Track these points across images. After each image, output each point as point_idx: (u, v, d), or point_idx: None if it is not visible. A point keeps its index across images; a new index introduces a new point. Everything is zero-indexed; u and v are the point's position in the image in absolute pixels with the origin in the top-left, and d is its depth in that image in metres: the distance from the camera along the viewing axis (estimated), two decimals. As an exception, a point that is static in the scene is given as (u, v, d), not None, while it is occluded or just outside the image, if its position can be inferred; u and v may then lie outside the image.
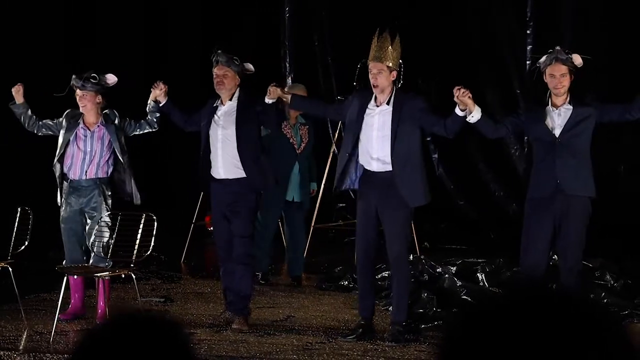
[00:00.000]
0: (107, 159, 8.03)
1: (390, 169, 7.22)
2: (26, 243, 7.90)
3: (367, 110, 7.31)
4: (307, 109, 8.30)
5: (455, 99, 7.03)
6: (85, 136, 8.02)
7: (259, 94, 7.87)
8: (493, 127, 7.36)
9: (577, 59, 7.15)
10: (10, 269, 7.80)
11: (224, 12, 13.47)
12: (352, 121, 7.37)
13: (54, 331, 7.46)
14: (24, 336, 7.63)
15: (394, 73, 7.30)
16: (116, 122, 8.04)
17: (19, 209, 8.01)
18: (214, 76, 7.77)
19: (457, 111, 7.08)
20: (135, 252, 7.62)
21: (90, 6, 12.09)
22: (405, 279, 7.45)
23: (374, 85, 7.29)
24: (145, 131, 8.13)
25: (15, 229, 7.95)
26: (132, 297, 8.57)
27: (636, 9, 11.76)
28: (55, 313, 7.52)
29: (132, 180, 8.04)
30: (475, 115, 7.08)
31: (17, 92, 8.12)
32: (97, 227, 7.89)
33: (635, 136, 11.41)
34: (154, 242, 7.59)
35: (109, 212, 7.92)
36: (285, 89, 8.29)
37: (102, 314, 7.88)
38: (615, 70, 11.42)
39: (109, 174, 8.04)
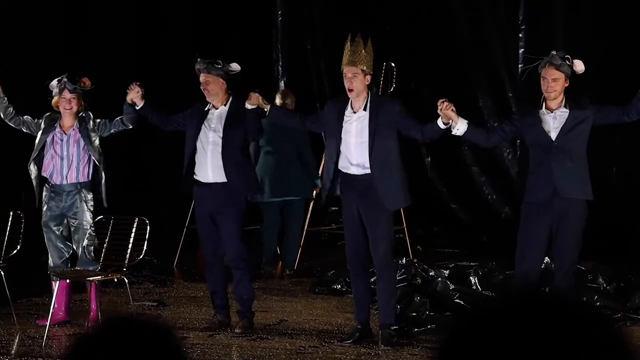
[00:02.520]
0: (86, 161, 7.98)
1: (370, 172, 7.23)
2: (18, 247, 7.88)
3: (345, 117, 7.31)
4: (285, 121, 7.99)
5: (439, 111, 7.02)
6: (62, 140, 7.99)
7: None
8: (485, 137, 7.35)
9: (579, 66, 7.10)
10: (2, 273, 7.78)
11: (215, 16, 13.46)
12: (332, 130, 7.37)
13: (46, 335, 7.44)
14: (16, 340, 7.62)
15: (369, 77, 7.28)
16: (90, 124, 8.00)
17: (11, 213, 8.00)
18: (200, 84, 7.79)
19: (440, 123, 7.06)
20: (127, 256, 7.61)
21: (82, 14, 12.08)
22: (392, 281, 7.47)
23: (349, 90, 7.25)
24: (120, 130, 8.04)
25: (7, 232, 7.94)
26: (124, 301, 8.55)
27: (627, 13, 11.78)
28: (48, 317, 7.51)
29: (103, 183, 7.97)
30: (460, 127, 7.05)
31: None
32: (80, 232, 7.86)
33: (627, 138, 11.42)
34: (146, 246, 7.58)
35: (92, 216, 7.89)
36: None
37: (94, 318, 7.87)
38: (606, 73, 11.42)
39: (90, 176, 8.00)
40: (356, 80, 7.21)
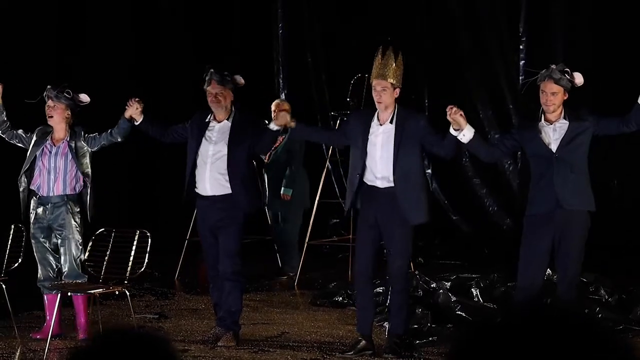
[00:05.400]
0: (73, 174, 7.96)
1: (393, 185, 7.23)
2: (19, 260, 7.88)
3: (371, 130, 7.32)
4: (311, 137, 8.06)
5: (448, 117, 7.04)
6: (51, 152, 7.97)
7: (254, 114, 7.83)
8: (487, 150, 7.37)
9: (578, 78, 7.11)
10: (3, 286, 7.78)
11: (216, 28, 13.48)
12: (357, 142, 7.36)
13: (47, 348, 7.44)
14: (17, 353, 7.61)
15: (397, 90, 7.29)
16: (81, 139, 7.98)
17: (13, 226, 8.00)
18: (208, 94, 7.74)
19: (451, 130, 7.10)
20: (129, 268, 7.61)
21: (80, 25, 12.10)
22: (405, 292, 7.47)
23: (378, 102, 7.28)
24: (109, 143, 7.96)
25: (8, 246, 7.93)
26: (125, 314, 8.55)
27: (626, 26, 11.81)
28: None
29: (89, 197, 7.95)
30: (466, 134, 7.07)
31: None
32: (67, 244, 7.84)
33: (628, 149, 11.42)
34: (147, 259, 7.57)
35: (80, 229, 7.87)
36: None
37: (83, 331, 7.85)
38: (605, 85, 11.44)
39: (77, 189, 7.98)
40: (385, 94, 7.24)
